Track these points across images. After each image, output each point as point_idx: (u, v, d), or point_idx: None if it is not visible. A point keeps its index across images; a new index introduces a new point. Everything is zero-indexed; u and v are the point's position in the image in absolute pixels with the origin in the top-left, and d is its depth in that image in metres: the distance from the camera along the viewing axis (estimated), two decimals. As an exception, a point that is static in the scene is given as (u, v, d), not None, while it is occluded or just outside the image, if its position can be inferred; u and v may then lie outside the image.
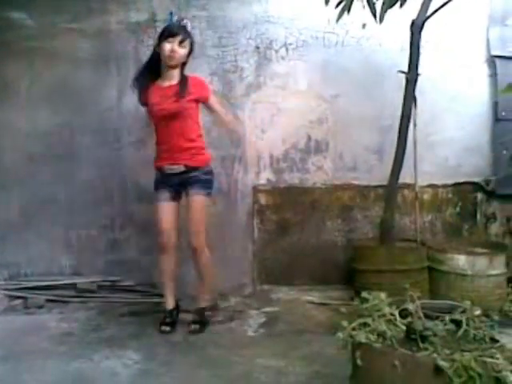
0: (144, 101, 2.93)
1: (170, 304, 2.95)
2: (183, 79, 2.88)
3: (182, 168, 2.85)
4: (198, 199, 2.87)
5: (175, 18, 2.99)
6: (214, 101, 3.01)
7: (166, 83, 2.87)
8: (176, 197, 2.93)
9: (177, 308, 3.01)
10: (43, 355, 2.55)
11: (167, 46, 2.79)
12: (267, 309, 3.24)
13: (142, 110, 3.53)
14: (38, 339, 2.77)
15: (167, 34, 2.81)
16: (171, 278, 2.96)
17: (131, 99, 3.57)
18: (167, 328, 2.84)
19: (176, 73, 2.88)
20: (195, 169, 2.87)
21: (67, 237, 3.64)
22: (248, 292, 3.59)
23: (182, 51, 2.82)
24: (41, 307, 3.33)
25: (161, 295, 3.30)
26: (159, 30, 3.53)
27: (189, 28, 2.91)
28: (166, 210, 2.89)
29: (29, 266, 3.63)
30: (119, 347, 2.63)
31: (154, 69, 2.89)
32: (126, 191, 3.64)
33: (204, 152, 2.95)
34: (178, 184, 2.89)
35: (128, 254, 3.62)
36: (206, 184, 2.91)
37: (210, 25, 3.62)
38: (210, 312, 3.04)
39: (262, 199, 3.69)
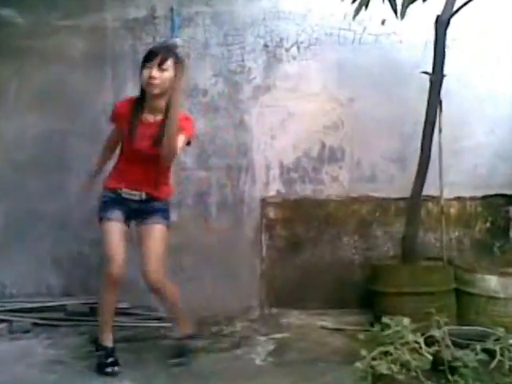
0: (115, 123, 2.79)
1: (110, 341, 2.77)
2: (165, 122, 2.58)
3: (143, 196, 2.75)
4: (158, 228, 2.77)
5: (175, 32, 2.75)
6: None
7: (150, 117, 2.68)
8: (127, 220, 2.78)
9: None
10: (29, 385, 2.54)
11: (144, 73, 2.58)
12: (276, 335, 3.22)
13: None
14: (23, 367, 2.75)
15: (144, 57, 2.61)
16: (113, 313, 2.80)
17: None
18: (115, 368, 2.66)
19: (162, 105, 2.65)
20: (156, 199, 2.79)
21: (57, 254, 3.64)
22: (255, 316, 3.57)
23: (163, 76, 2.57)
24: (27, 332, 3.30)
25: (159, 319, 3.30)
26: (159, 27, 3.60)
27: (177, 46, 2.73)
28: (119, 231, 2.71)
29: (14, 286, 3.63)
30: (113, 377, 2.60)
31: (142, 98, 2.69)
32: (121, 204, 3.63)
33: (168, 184, 2.89)
34: (134, 210, 2.77)
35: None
36: (166, 215, 2.84)
37: (214, 21, 3.63)
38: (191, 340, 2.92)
39: (271, 213, 3.67)
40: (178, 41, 2.70)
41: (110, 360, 2.69)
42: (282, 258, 3.66)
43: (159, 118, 2.66)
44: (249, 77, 3.68)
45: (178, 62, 2.63)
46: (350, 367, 1.94)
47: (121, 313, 3.46)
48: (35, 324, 3.37)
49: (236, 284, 3.57)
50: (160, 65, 2.56)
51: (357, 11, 2.94)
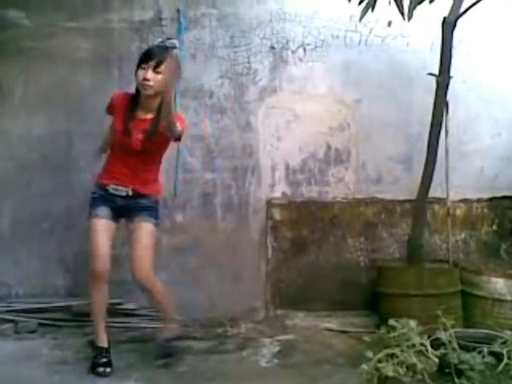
0: (111, 114, 2.85)
1: (104, 341, 2.78)
2: (158, 119, 2.69)
3: (129, 192, 2.79)
4: (146, 226, 2.79)
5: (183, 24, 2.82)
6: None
7: (142, 115, 2.74)
8: (116, 218, 2.82)
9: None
10: (34, 385, 2.54)
11: (139, 74, 2.64)
12: (282, 336, 3.21)
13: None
14: (29, 367, 2.75)
15: (141, 58, 2.67)
16: (104, 311, 2.82)
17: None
18: (107, 369, 2.67)
19: (155, 104, 2.72)
20: (144, 196, 2.82)
21: (63, 254, 3.64)
22: (260, 317, 3.56)
23: (157, 78, 2.62)
24: (32, 332, 3.31)
25: (164, 320, 3.29)
26: (165, 29, 3.61)
27: (175, 47, 2.73)
28: (105, 228, 2.75)
29: (20, 286, 3.63)
30: (118, 378, 2.60)
31: (136, 97, 2.76)
32: (127, 204, 3.63)
33: (157, 181, 2.91)
34: (121, 207, 2.80)
35: (128, 273, 3.60)
36: (154, 213, 2.85)
37: (220, 23, 3.64)
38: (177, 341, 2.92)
39: (277, 214, 3.67)
40: (176, 42, 2.74)
41: (103, 360, 2.70)
42: (288, 259, 3.65)
43: (151, 115, 2.74)
44: (255, 78, 3.68)
45: (173, 64, 2.62)
46: (355, 369, 1.93)
47: (127, 314, 3.48)
48: (40, 324, 3.36)
49: (241, 285, 3.56)
50: (155, 68, 2.62)
51: (363, 13, 2.94)
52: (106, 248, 2.74)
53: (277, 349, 3.02)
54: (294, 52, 3.69)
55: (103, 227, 2.76)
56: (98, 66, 3.66)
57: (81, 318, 3.41)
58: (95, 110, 3.63)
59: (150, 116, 2.75)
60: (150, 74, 2.61)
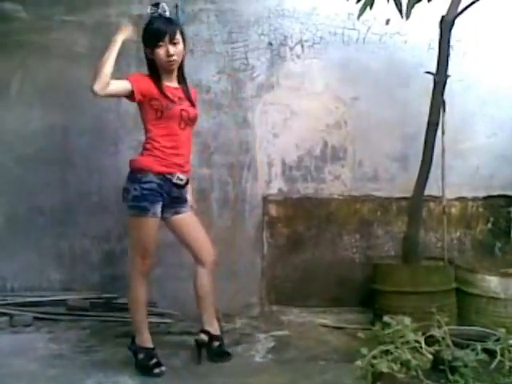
0: (141, 97, 2.61)
1: (149, 341, 2.70)
2: (185, 82, 2.79)
3: (185, 179, 2.73)
4: (192, 215, 2.83)
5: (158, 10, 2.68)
6: None
7: (171, 84, 2.72)
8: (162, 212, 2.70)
9: None
10: (30, 379, 2.54)
11: (160, 52, 2.62)
12: (276, 332, 3.23)
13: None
14: (24, 361, 2.76)
15: (153, 37, 2.63)
16: (146, 309, 2.75)
17: (131, 99, 3.60)
18: (163, 368, 2.63)
19: (176, 73, 2.75)
20: (187, 183, 2.79)
21: (58, 248, 3.65)
22: (255, 313, 3.58)
23: (178, 49, 2.65)
24: (28, 326, 3.32)
25: (161, 314, 3.31)
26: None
27: (166, 10, 2.70)
28: (156, 227, 2.64)
29: (15, 280, 3.64)
30: (114, 372, 2.62)
31: (154, 71, 2.72)
32: (123, 199, 3.63)
33: None
34: (173, 198, 2.70)
35: (125, 268, 3.59)
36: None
37: (218, 19, 3.63)
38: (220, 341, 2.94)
39: (273, 211, 3.68)
40: (164, 5, 2.71)
41: (155, 361, 2.65)
42: (283, 255, 3.66)
43: (176, 84, 2.74)
44: (252, 75, 3.68)
45: (182, 30, 2.72)
46: (349, 365, 1.94)
47: (122, 308, 3.48)
48: (36, 318, 3.38)
49: (237, 281, 3.57)
50: (172, 40, 2.62)
51: (361, 11, 2.93)
52: (154, 245, 2.68)
53: (271, 344, 3.03)
54: (291, 49, 3.68)
55: (155, 226, 2.63)
56: (96, 61, 3.64)
57: (76, 312, 3.43)
58: (92, 104, 3.63)
59: (175, 84, 2.75)
60: (172, 49, 2.61)
